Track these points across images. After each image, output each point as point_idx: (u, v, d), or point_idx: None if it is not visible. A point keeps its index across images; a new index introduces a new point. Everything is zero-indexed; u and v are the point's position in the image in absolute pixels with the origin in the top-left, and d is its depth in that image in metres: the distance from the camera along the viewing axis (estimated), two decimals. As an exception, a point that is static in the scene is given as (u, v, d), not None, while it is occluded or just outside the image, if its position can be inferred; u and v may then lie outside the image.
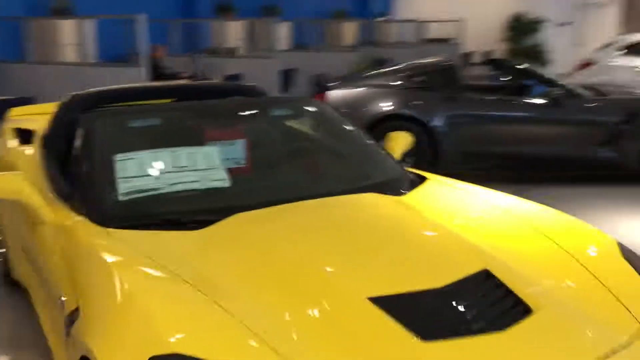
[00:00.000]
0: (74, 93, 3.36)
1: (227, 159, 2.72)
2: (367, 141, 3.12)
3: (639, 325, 1.85)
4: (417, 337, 1.66)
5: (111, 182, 2.50)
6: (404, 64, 7.03)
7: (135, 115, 2.92)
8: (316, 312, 1.76)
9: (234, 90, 3.67)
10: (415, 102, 6.25)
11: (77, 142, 2.73)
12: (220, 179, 2.60)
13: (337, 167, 2.94)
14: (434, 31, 17.63)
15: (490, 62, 7.86)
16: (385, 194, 2.60)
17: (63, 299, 2.13)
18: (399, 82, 6.54)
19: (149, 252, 2.07)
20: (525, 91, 6.79)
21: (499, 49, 18.43)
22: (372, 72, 7.22)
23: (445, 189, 2.81)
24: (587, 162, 6.28)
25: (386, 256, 2.09)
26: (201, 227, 2.24)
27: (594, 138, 6.20)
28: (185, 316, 1.74)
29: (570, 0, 18.23)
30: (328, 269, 1.98)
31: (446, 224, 2.34)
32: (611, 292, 1.96)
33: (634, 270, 2.09)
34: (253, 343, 1.61)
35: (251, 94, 3.67)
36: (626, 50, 9.24)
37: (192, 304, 1.79)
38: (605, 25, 18.47)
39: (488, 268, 1.97)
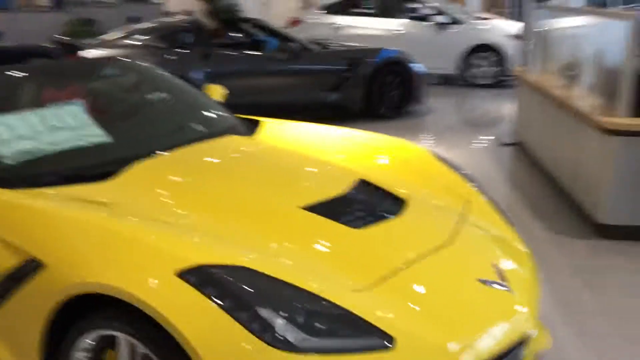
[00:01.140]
0: None
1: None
2: (197, 92, 3.47)
3: (466, 199, 2.68)
4: (349, 227, 2.21)
5: None
6: (156, 24, 7.20)
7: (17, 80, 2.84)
8: (266, 223, 2.18)
9: (38, 51, 3.65)
10: (172, 59, 6.52)
11: None
12: (97, 134, 2.73)
13: (183, 117, 3.22)
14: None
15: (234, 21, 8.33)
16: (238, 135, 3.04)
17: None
18: (153, 42, 6.75)
19: (83, 199, 2.21)
20: (262, 45, 7.52)
21: (197, 9, 19.00)
22: (125, 33, 7.21)
23: (283, 127, 3.34)
24: (320, 105, 7.32)
25: (286, 179, 2.57)
26: (103, 179, 2.40)
27: (325, 85, 7.27)
28: (173, 235, 2.01)
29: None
30: (251, 194, 2.40)
31: (307, 153, 2.91)
32: (439, 183, 2.78)
33: (446, 166, 2.95)
34: (242, 250, 1.95)
35: (51, 55, 3.70)
36: (326, 10, 10.63)
37: (172, 228, 2.06)
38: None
39: (362, 178, 2.59)
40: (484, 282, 2.15)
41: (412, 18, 10.26)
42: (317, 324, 1.77)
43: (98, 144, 2.68)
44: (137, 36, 6.91)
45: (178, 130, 3.04)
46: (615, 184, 3.86)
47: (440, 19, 9.94)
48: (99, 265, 1.90)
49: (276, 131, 3.26)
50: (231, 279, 1.80)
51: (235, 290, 1.78)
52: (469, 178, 2.92)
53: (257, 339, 1.69)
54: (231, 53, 7.07)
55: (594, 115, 4.03)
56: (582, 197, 4.26)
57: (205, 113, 3.29)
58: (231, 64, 6.89)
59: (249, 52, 7.17)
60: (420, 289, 2.04)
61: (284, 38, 7.38)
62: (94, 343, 1.96)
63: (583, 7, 8.50)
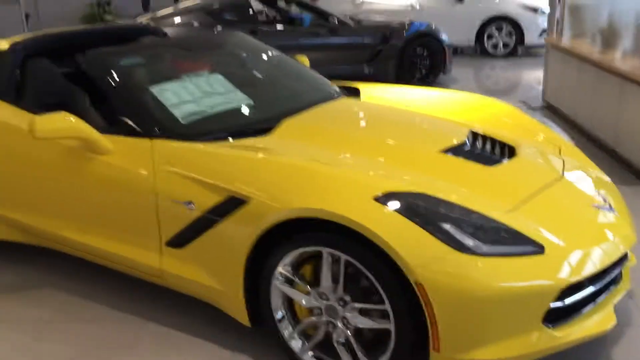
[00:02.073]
0: (16, 40, 3.43)
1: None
2: (299, 63, 3.91)
3: (558, 145, 3.14)
4: (483, 165, 2.68)
5: (166, 109, 2.91)
6: (203, 2, 7.55)
7: (133, 53, 3.24)
8: (416, 163, 2.64)
9: (145, 30, 4.07)
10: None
11: (102, 81, 2.99)
12: (242, 98, 3.17)
13: (300, 83, 3.64)
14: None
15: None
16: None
17: (189, 204, 2.58)
18: (201, 19, 7.13)
19: (264, 147, 2.68)
20: (297, 22, 7.91)
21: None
22: (173, 10, 7.57)
23: (381, 91, 3.79)
24: (356, 77, 7.74)
25: (413, 131, 3.05)
26: (264, 134, 2.84)
27: (361, 58, 7.69)
28: (356, 170, 2.48)
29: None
30: (392, 141, 2.86)
31: (415, 110, 3.37)
32: (531, 133, 3.24)
33: (535, 120, 3.41)
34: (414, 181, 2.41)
35: (157, 34, 4.13)
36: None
37: (352, 165, 2.55)
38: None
39: (471, 129, 3.05)
40: (597, 207, 2.63)
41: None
42: (485, 235, 2.23)
43: (237, 107, 3.12)
44: (185, 14, 7.28)
45: (301, 93, 3.47)
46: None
47: (456, -8, 10.36)
48: (305, 195, 2.34)
49: (377, 94, 3.71)
50: (416, 201, 2.26)
51: (420, 209, 2.24)
52: (552, 128, 3.40)
53: (444, 245, 2.16)
54: (275, 29, 7.45)
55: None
56: (626, 150, 4.74)
57: (314, 80, 3.72)
58: (276, 39, 7.27)
59: (291, 28, 7.55)
60: (552, 210, 2.51)
61: (321, 14, 7.77)
62: (294, 260, 2.42)
63: None
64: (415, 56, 7.89)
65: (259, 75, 3.60)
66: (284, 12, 8.14)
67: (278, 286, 2.47)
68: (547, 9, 10.41)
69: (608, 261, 2.42)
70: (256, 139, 2.82)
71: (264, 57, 3.78)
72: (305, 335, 2.52)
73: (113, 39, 3.94)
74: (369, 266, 2.23)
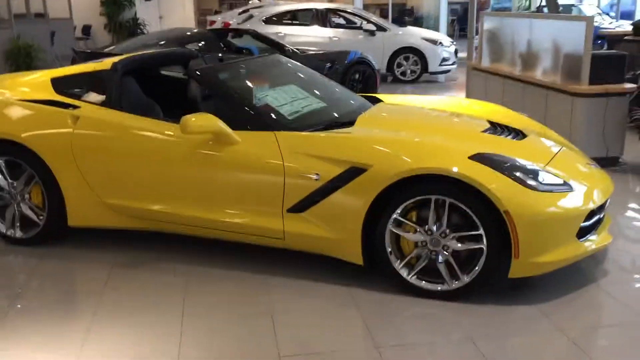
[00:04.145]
0: (114, 60, 4.13)
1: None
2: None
3: (546, 131, 4.35)
4: (513, 140, 3.79)
5: (277, 109, 3.77)
6: (164, 33, 8.19)
7: (237, 69, 4.15)
8: (468, 139, 3.68)
9: (192, 55, 4.86)
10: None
11: (218, 89, 3.81)
12: (318, 102, 4.10)
13: (341, 90, 4.62)
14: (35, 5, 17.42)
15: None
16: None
17: (315, 176, 3.44)
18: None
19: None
20: (246, 52, 8.80)
21: (100, 23, 19.41)
22: (128, 43, 8.14)
23: (398, 98, 4.86)
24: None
25: (451, 119, 4.16)
26: (349, 126, 3.79)
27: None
28: (446, 140, 3.55)
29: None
30: (445, 126, 3.95)
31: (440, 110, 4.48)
32: (527, 123, 4.42)
33: (517, 112, 4.63)
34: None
35: (201, 57, 4.95)
36: (264, 21, 12.03)
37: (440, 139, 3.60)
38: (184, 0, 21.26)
39: (488, 119, 4.17)
40: (591, 165, 3.85)
41: (344, 27, 12.03)
42: (538, 178, 3.34)
43: (321, 108, 4.07)
44: (153, 45, 7.92)
45: (349, 98, 4.45)
46: (581, 128, 5.78)
47: (369, 27, 11.78)
48: (415, 159, 3.31)
49: (398, 100, 4.77)
50: (495, 158, 3.34)
51: (500, 163, 3.30)
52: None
53: (517, 184, 3.23)
54: (238, 56, 8.28)
55: (563, 85, 5.94)
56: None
57: (345, 89, 4.72)
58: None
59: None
60: (566, 166, 3.67)
61: (277, 45, 8.72)
62: (405, 208, 3.37)
63: (522, 12, 10.66)
64: (353, 80, 9.08)
65: (315, 86, 4.51)
66: (232, 45, 8.99)
67: (391, 229, 3.40)
68: (445, 41, 12.15)
69: (604, 198, 3.61)
70: (348, 129, 3.76)
71: (308, 72, 4.72)
72: (408, 265, 3.46)
73: (174, 60, 4.73)
74: (468, 204, 3.24)
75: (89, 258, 4.03)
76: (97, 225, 4.07)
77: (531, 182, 3.29)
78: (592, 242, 3.51)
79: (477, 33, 8.23)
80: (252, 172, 3.61)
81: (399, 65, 11.87)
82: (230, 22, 12.99)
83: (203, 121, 3.54)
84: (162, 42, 8.07)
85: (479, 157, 3.32)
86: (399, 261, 3.46)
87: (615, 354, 2.94)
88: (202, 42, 8.00)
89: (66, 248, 4.17)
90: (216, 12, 23.03)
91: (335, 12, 12.60)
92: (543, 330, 3.13)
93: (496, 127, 4.04)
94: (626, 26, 12.01)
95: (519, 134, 3.98)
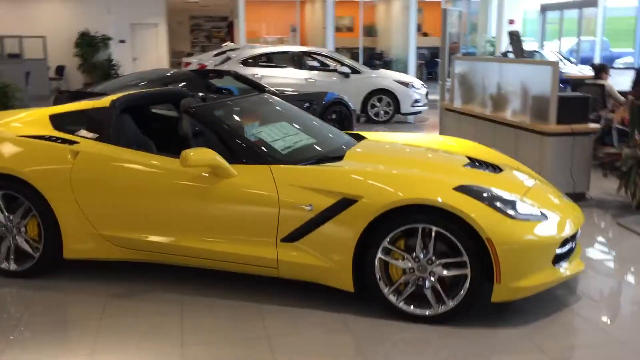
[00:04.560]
0: (112, 98, 4.32)
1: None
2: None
3: (518, 166, 4.64)
4: (491, 173, 4.04)
5: (270, 145, 3.98)
6: (146, 73, 8.37)
7: (231, 107, 4.37)
8: (451, 172, 3.93)
9: (182, 94, 5.07)
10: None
11: (215, 126, 4.02)
12: (308, 138, 4.33)
13: (330, 130, 4.85)
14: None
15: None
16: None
17: (308, 207, 3.64)
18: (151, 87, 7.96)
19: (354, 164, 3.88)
20: (227, 93, 9.04)
21: (74, 63, 19.56)
22: (110, 82, 8.31)
23: (380, 135, 5.11)
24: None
25: (434, 154, 4.43)
26: (339, 160, 4.02)
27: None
28: (426, 173, 3.77)
29: (125, 20, 20.54)
30: (429, 161, 4.23)
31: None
32: (500, 159, 4.70)
33: (491, 149, 4.92)
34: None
35: (192, 96, 5.15)
36: (242, 62, 12.34)
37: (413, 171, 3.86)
38: (157, 41, 21.55)
39: (467, 156, 4.44)
40: (562, 197, 4.14)
41: (318, 69, 12.41)
42: (516, 208, 3.60)
43: (311, 143, 4.30)
44: (135, 86, 8.09)
45: (337, 135, 4.69)
46: (550, 165, 6.12)
47: (343, 69, 12.18)
48: (404, 191, 3.54)
49: (380, 137, 5.03)
50: (477, 189, 3.59)
51: (481, 194, 3.56)
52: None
53: (498, 213, 3.48)
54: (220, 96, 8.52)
55: (532, 125, 6.30)
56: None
57: (332, 128, 4.97)
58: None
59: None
60: (540, 198, 3.93)
61: (257, 86, 8.98)
62: (393, 236, 3.57)
63: (490, 56, 11.14)
64: (330, 120, 9.37)
65: (303, 123, 4.74)
66: (212, 85, 9.21)
67: (381, 257, 3.61)
68: (416, 84, 12.60)
69: (575, 228, 3.88)
70: (337, 163, 3.98)
71: (296, 111, 4.96)
72: (396, 291, 3.65)
73: (167, 99, 4.94)
74: (453, 232, 3.47)
75: (83, 289, 4.13)
76: (92, 257, 4.18)
77: (510, 212, 3.54)
78: (567, 268, 3.76)
79: (448, 76, 8.63)
80: (247, 204, 3.79)
81: (373, 106, 12.25)
82: (206, 63, 13.29)
83: (202, 155, 3.73)
84: (143, 83, 8.25)
85: (462, 189, 3.57)
86: (387, 287, 3.65)
87: (592, 370, 3.16)
88: (184, 83, 8.21)
89: (60, 280, 4.25)
90: (188, 54, 23.43)
91: (310, 54, 12.99)
92: (525, 350, 3.34)
93: (475, 162, 4.31)
94: (586, 71, 12.65)
95: (495, 169, 4.25)
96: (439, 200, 3.47)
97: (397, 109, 12.26)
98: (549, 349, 3.33)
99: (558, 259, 3.70)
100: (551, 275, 3.64)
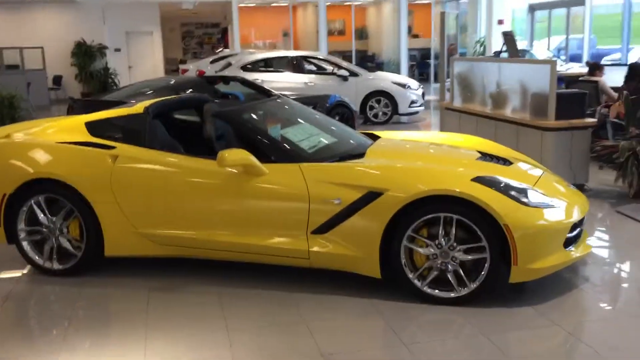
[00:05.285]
0: (145, 105, 4.60)
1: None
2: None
3: (525, 158, 4.95)
4: (503, 165, 4.35)
5: (295, 145, 4.28)
6: (155, 81, 8.64)
7: (255, 110, 4.65)
8: (468, 165, 4.26)
9: (204, 100, 5.36)
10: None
11: (246, 128, 4.32)
12: (329, 137, 4.63)
13: (347, 130, 5.15)
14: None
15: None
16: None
17: (337, 200, 3.94)
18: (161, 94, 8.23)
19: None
20: (233, 97, 9.32)
21: (71, 73, 19.76)
22: (122, 91, 8.56)
23: (397, 134, 5.43)
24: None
25: (449, 149, 4.74)
26: (361, 157, 4.32)
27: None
28: (445, 166, 4.07)
29: (121, 29, 20.77)
30: (445, 156, 4.54)
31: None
32: (509, 152, 5.01)
33: (498, 144, 5.24)
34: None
35: (209, 101, 5.44)
36: (242, 68, 12.63)
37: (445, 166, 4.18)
38: (153, 49, 21.78)
39: (479, 150, 4.76)
40: (568, 186, 4.46)
41: (316, 73, 12.73)
42: (529, 196, 3.91)
43: (333, 142, 4.60)
44: (142, 94, 8.36)
45: (353, 134, 4.99)
46: (550, 158, 6.45)
47: (342, 72, 12.50)
48: (426, 183, 3.84)
49: (394, 136, 5.33)
50: (493, 180, 3.90)
51: (497, 184, 3.87)
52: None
53: (513, 201, 3.79)
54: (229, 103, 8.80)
55: (532, 121, 6.63)
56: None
57: (349, 129, 5.27)
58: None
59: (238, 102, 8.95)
60: (549, 187, 4.25)
61: (264, 91, 9.25)
62: (416, 225, 3.88)
63: (487, 57, 11.48)
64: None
65: (323, 124, 5.04)
66: (218, 91, 9.49)
67: (406, 245, 3.91)
68: (413, 85, 12.92)
69: (582, 214, 4.21)
70: (360, 160, 4.29)
71: (315, 113, 5.26)
72: (421, 276, 3.95)
73: (192, 104, 5.24)
74: (473, 220, 3.78)
75: (125, 284, 4.40)
76: (131, 254, 4.46)
77: (524, 200, 3.86)
78: (576, 251, 4.09)
79: (447, 76, 8.96)
80: (279, 200, 4.08)
81: (371, 107, 12.57)
82: (205, 70, 13.56)
83: (237, 155, 4.03)
84: (150, 91, 8.50)
85: (480, 179, 3.88)
86: (413, 273, 3.95)
87: (606, 339, 3.47)
88: (191, 89, 8.48)
89: (102, 277, 4.52)
90: (181, 61, 23.70)
91: (307, 59, 13.30)
92: (542, 325, 3.65)
93: (486, 156, 4.62)
94: (576, 68, 13.03)
95: (505, 162, 4.57)
96: (460, 190, 3.77)
97: (395, 110, 12.59)
98: (564, 324, 3.65)
99: (568, 243, 4.01)
100: (563, 257, 3.96)
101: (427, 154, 4.67)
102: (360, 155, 4.38)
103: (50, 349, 3.52)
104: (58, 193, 4.43)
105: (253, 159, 4.06)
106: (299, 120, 4.89)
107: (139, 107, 4.62)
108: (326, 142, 4.59)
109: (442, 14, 8.89)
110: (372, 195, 3.92)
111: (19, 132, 4.80)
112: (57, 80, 19.62)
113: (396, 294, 4.04)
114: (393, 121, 12.76)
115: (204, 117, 4.83)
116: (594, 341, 3.46)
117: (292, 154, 4.22)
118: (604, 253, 5.01)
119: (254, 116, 4.63)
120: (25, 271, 4.69)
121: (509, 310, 3.84)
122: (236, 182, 4.14)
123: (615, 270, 4.64)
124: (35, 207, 4.49)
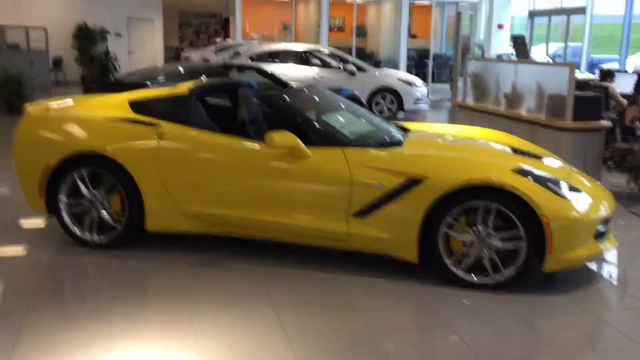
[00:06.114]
0: (189, 87, 4.70)
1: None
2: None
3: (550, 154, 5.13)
4: (534, 159, 4.52)
5: (338, 130, 4.41)
6: (182, 67, 8.71)
7: (294, 96, 4.77)
8: (503, 157, 4.44)
9: (240, 84, 5.46)
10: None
11: (291, 112, 4.44)
12: (367, 125, 4.78)
13: (381, 120, 5.27)
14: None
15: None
16: None
17: (378, 185, 4.08)
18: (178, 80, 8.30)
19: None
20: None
21: (71, 55, 19.67)
22: (139, 73, 8.62)
23: (427, 126, 5.57)
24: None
25: (485, 143, 4.90)
26: (399, 145, 4.46)
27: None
28: (486, 157, 4.23)
29: (122, 14, 20.72)
30: (480, 148, 4.69)
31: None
32: (534, 148, 5.18)
33: (528, 141, 5.40)
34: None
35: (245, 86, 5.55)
36: (250, 58, 12.72)
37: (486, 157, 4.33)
38: (153, 36, 21.75)
39: (511, 145, 4.92)
40: (595, 182, 4.64)
41: (326, 67, 12.85)
42: (563, 189, 4.08)
43: (371, 129, 4.74)
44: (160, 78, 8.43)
45: (391, 126, 5.13)
46: (565, 158, 6.64)
47: (350, 67, 12.64)
48: (467, 173, 4.00)
49: (424, 127, 5.48)
50: (532, 171, 4.07)
51: (535, 176, 4.04)
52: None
53: (551, 193, 3.96)
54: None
55: (548, 120, 6.82)
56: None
57: (383, 119, 5.41)
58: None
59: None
60: (579, 182, 4.42)
61: (278, 81, 9.34)
62: (456, 213, 4.03)
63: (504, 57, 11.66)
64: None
65: (358, 113, 5.17)
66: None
67: (444, 230, 4.06)
68: (418, 83, 13.08)
69: (611, 209, 4.38)
70: (399, 147, 4.43)
71: (350, 102, 5.39)
72: (457, 262, 4.11)
73: (228, 89, 5.34)
74: (511, 209, 3.94)
75: (163, 259, 4.50)
76: (172, 230, 4.56)
77: (560, 192, 4.03)
78: (605, 244, 4.27)
79: (460, 75, 9.14)
80: (321, 182, 4.22)
81: (377, 103, 12.73)
82: (210, 59, 13.64)
83: (285, 137, 4.15)
84: (161, 77, 8.56)
85: (520, 171, 4.05)
86: (450, 258, 4.10)
87: (635, 324, 3.66)
88: (212, 76, 8.56)
89: (140, 251, 4.62)
90: (178, 49, 23.70)
91: (314, 53, 13.40)
92: (574, 312, 3.83)
93: (516, 150, 4.79)
94: (578, 75, 13.28)
95: (535, 156, 4.74)
96: (501, 181, 3.93)
97: (400, 107, 12.75)
98: (595, 312, 3.82)
99: (598, 236, 4.19)
100: (594, 248, 4.13)
101: (464, 145, 4.82)
102: (398, 143, 4.52)
103: (95, 315, 3.62)
104: (103, 167, 4.51)
105: (299, 141, 4.19)
106: (336, 108, 5.02)
107: (183, 89, 4.71)
108: (365, 129, 4.73)
109: (458, 14, 9.06)
110: (412, 182, 4.06)
111: (60, 106, 4.87)
112: (58, 62, 19.53)
113: (431, 278, 4.19)
114: (397, 117, 12.93)
115: (240, 100, 4.94)
116: (629, 330, 3.64)
117: (335, 139, 4.35)
118: (624, 250, 5.20)
119: (296, 102, 4.75)
120: (64, 243, 4.77)
121: (541, 297, 4.01)
122: (279, 164, 4.27)
123: (638, 266, 4.84)
124: (78, 179, 4.57)
